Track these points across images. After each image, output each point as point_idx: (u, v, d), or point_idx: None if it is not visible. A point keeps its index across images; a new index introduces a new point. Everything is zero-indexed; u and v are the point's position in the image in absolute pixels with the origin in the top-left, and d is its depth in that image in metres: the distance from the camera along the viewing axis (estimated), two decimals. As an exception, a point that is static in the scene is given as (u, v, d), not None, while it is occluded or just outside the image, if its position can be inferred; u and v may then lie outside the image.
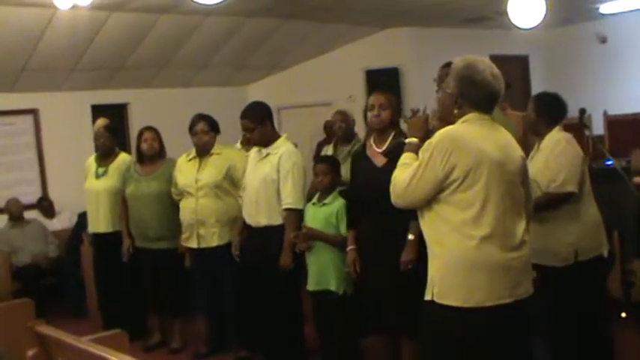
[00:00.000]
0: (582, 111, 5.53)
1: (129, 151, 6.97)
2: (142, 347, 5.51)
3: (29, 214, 7.38)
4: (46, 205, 7.65)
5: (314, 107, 9.16)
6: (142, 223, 5.42)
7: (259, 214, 4.66)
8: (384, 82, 8.69)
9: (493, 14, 8.07)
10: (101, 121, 6.02)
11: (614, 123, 7.73)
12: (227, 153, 5.19)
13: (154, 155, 5.48)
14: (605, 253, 4.09)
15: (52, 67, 7.33)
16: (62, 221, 7.63)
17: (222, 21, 7.52)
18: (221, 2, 5.11)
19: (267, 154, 4.67)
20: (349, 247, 4.19)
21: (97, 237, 5.83)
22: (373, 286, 4.02)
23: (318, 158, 5.80)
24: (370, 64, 9.03)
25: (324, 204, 4.51)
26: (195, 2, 5.09)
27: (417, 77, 8.73)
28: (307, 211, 4.59)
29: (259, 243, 4.67)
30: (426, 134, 3.01)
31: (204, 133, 5.14)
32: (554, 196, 3.85)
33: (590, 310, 4.01)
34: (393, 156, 3.72)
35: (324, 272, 4.47)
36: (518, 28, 6.36)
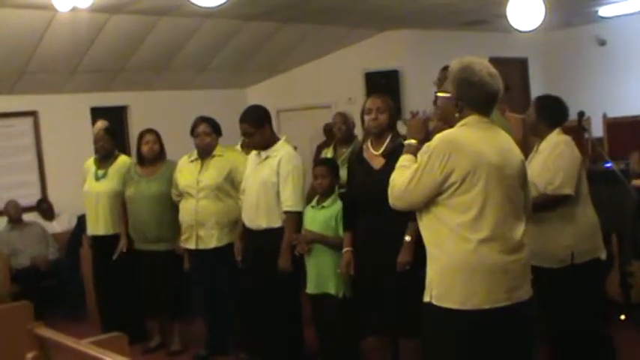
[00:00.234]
0: (581, 113, 5.54)
1: (128, 154, 6.98)
2: (142, 350, 5.51)
3: (28, 217, 7.39)
4: (45, 208, 7.65)
5: (313, 110, 9.17)
6: (142, 225, 5.42)
7: (259, 217, 4.66)
8: (383, 84, 8.71)
9: (492, 17, 8.08)
10: (100, 124, 6.02)
11: (613, 125, 7.76)
12: (229, 155, 5.20)
13: (154, 158, 5.49)
14: (604, 256, 4.09)
15: (52, 70, 7.34)
16: (61, 224, 7.63)
17: (221, 24, 7.53)
18: (221, 5, 5.11)
19: (267, 157, 4.67)
20: (345, 249, 4.19)
21: (96, 239, 5.82)
22: (371, 287, 4.02)
23: (317, 161, 5.80)
24: (370, 67, 9.04)
25: (323, 207, 4.52)
26: (194, 5, 5.09)
27: (417, 79, 8.74)
28: (306, 213, 4.60)
29: (259, 246, 4.67)
30: (425, 136, 3.02)
31: (206, 135, 5.15)
32: (551, 198, 3.86)
33: (586, 313, 4.01)
34: (390, 159, 3.74)
35: (323, 275, 4.47)
36: (518, 30, 6.37)
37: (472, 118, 2.82)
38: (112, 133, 6.00)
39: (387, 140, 4.04)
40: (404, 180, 2.82)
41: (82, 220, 6.80)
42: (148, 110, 8.34)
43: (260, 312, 4.70)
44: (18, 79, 7.26)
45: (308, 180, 4.80)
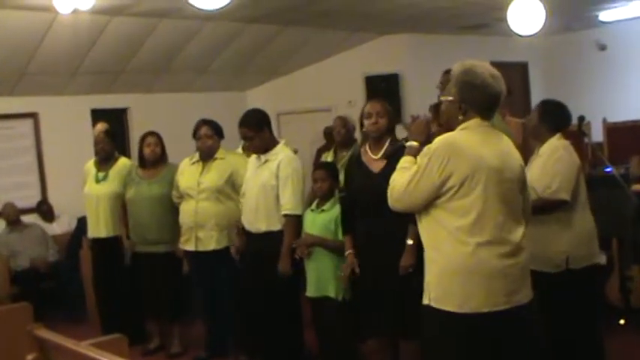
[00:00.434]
0: (581, 118, 5.53)
1: (129, 156, 6.98)
2: (141, 352, 5.51)
3: (28, 218, 7.38)
4: (45, 209, 7.65)
5: (314, 113, 9.17)
6: (142, 227, 5.43)
7: (258, 220, 4.67)
8: (383, 88, 8.72)
9: (493, 21, 8.09)
10: (101, 126, 6.03)
11: (613, 130, 7.75)
12: (230, 158, 5.21)
13: (156, 160, 5.49)
14: (603, 261, 4.09)
15: (53, 71, 7.34)
16: (61, 225, 7.63)
17: (222, 26, 7.54)
18: (221, 8, 5.12)
19: (266, 161, 4.68)
20: (347, 252, 4.20)
21: (97, 242, 5.82)
22: (371, 289, 4.03)
23: (316, 164, 5.81)
24: (370, 70, 9.04)
25: (323, 210, 4.52)
26: (195, 7, 5.09)
27: (417, 83, 8.75)
28: (306, 217, 4.60)
29: (258, 249, 4.67)
30: (426, 138, 3.02)
31: (208, 137, 5.15)
32: (547, 202, 3.87)
33: (583, 318, 4.02)
34: (390, 162, 3.75)
35: (323, 279, 4.48)
36: (518, 35, 6.38)
37: (473, 122, 2.83)
38: (112, 136, 6.00)
39: (386, 144, 4.06)
40: (403, 182, 2.83)
41: (82, 222, 6.80)
42: (149, 112, 8.34)
43: (260, 314, 4.70)
44: (18, 80, 7.26)
45: (308, 183, 4.80)
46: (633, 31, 9.60)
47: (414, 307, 2.97)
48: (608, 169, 5.71)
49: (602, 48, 10.07)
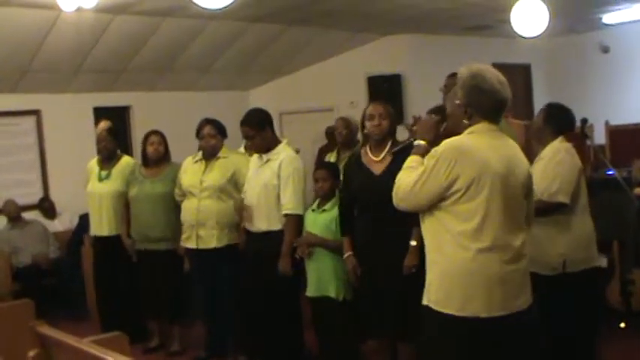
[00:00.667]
0: (584, 120, 5.54)
1: (131, 154, 6.99)
2: (142, 350, 5.51)
3: (30, 215, 7.40)
4: (47, 206, 7.66)
5: (316, 113, 9.17)
6: (145, 225, 5.43)
7: (259, 219, 4.67)
8: (385, 88, 8.72)
9: (496, 22, 8.09)
10: (103, 124, 6.02)
11: (616, 133, 7.74)
12: (233, 158, 5.21)
13: (159, 159, 5.50)
14: (604, 264, 4.09)
15: (56, 69, 7.35)
16: (63, 222, 7.64)
17: (225, 25, 7.54)
18: (225, 7, 5.12)
19: (268, 160, 4.68)
20: (347, 254, 4.20)
21: (99, 240, 5.83)
22: (372, 291, 4.03)
23: (318, 164, 5.81)
24: (372, 71, 9.04)
25: (324, 210, 4.53)
26: (199, 6, 5.09)
27: (419, 84, 8.74)
28: (307, 217, 4.61)
29: (259, 248, 4.68)
30: (435, 138, 3.01)
31: (211, 136, 5.16)
32: (546, 205, 3.87)
33: (579, 322, 4.02)
34: (396, 159, 3.75)
35: (323, 278, 4.48)
36: (521, 36, 6.37)
37: (481, 126, 2.82)
38: (115, 134, 6.00)
39: (388, 146, 4.07)
40: (409, 182, 2.83)
41: (83, 219, 6.81)
42: (151, 111, 8.35)
43: (260, 314, 4.70)
44: (21, 77, 7.27)
45: (310, 183, 4.80)
46: (636, 34, 9.60)
47: (415, 308, 2.98)
48: (611, 172, 5.71)
49: (606, 50, 10.06)
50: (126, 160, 5.90)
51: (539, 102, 8.90)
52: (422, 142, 3.03)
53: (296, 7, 7.06)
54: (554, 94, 8.40)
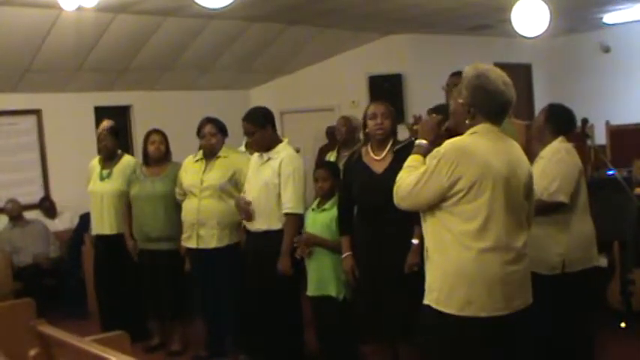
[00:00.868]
0: (585, 120, 5.54)
1: (131, 154, 6.98)
2: (143, 349, 5.51)
3: (31, 215, 7.40)
4: (47, 206, 7.67)
5: (317, 112, 9.18)
6: (145, 224, 5.43)
7: (259, 219, 4.67)
8: (387, 88, 8.73)
9: (497, 22, 8.09)
10: (105, 123, 6.02)
11: (617, 133, 7.73)
12: (233, 157, 5.21)
13: (160, 158, 5.50)
14: (604, 264, 4.09)
15: (56, 68, 7.35)
16: (63, 222, 7.65)
17: (226, 25, 7.54)
18: (226, 6, 5.12)
19: (268, 159, 4.68)
20: (345, 254, 4.20)
21: (101, 239, 5.83)
22: (373, 291, 4.03)
23: (318, 164, 5.81)
24: (373, 70, 9.05)
25: (324, 209, 4.53)
26: (200, 6, 5.09)
27: (420, 84, 8.75)
28: (307, 216, 4.61)
29: (258, 248, 4.68)
30: (436, 137, 3.01)
31: (212, 135, 5.16)
32: (545, 204, 3.87)
33: (578, 321, 4.02)
34: (397, 158, 3.75)
35: (323, 278, 4.48)
36: (522, 36, 6.37)
37: (483, 127, 2.82)
38: (116, 133, 6.00)
39: (389, 145, 4.07)
40: (410, 181, 2.82)
41: (84, 219, 6.81)
42: (152, 110, 8.35)
43: (260, 313, 4.70)
44: (22, 76, 7.27)
45: (310, 182, 4.80)
46: (637, 34, 9.60)
47: (415, 308, 2.98)
48: (611, 172, 5.71)
49: (606, 50, 10.07)
50: (127, 159, 5.90)
51: (540, 102, 8.91)
52: (423, 142, 3.03)
53: (297, 6, 7.06)
54: (555, 94, 8.40)
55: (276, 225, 4.62)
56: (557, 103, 4.34)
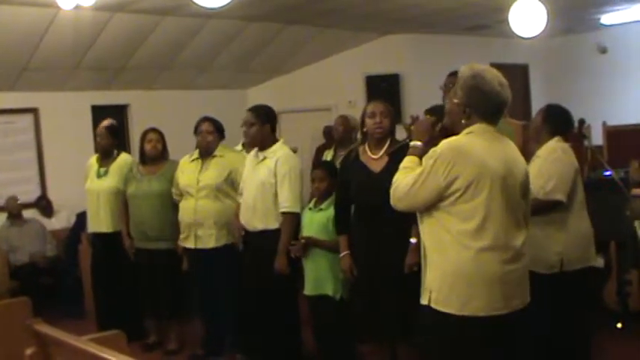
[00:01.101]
0: (582, 121, 5.55)
1: (129, 152, 6.97)
2: (140, 348, 5.50)
3: (27, 213, 7.39)
4: (44, 205, 7.66)
5: (314, 112, 9.18)
6: (142, 223, 5.43)
7: (255, 218, 4.67)
8: (384, 88, 8.72)
9: (494, 22, 8.09)
10: (106, 122, 6.01)
11: (614, 133, 7.75)
12: (230, 156, 5.21)
13: (157, 156, 5.50)
14: (600, 264, 4.10)
15: (54, 67, 7.34)
16: (60, 221, 7.64)
17: (224, 24, 7.54)
18: (223, 6, 5.12)
19: (264, 158, 4.68)
20: (343, 253, 4.20)
21: (98, 237, 5.82)
22: (370, 291, 4.03)
23: (315, 164, 5.81)
24: (371, 70, 9.05)
25: (321, 209, 4.54)
26: (198, 5, 5.09)
27: (417, 84, 8.75)
28: (304, 216, 4.61)
29: (255, 247, 4.68)
30: (430, 138, 3.01)
31: (209, 133, 5.16)
32: (542, 203, 3.87)
33: (575, 320, 4.03)
34: (393, 160, 3.75)
35: (320, 277, 4.49)
36: (519, 36, 6.37)
37: (479, 127, 2.82)
38: (114, 132, 5.98)
39: (387, 144, 4.07)
40: (407, 182, 2.83)
41: (81, 218, 6.81)
42: (149, 109, 8.34)
43: (257, 313, 4.70)
44: (19, 75, 7.26)
45: (307, 182, 4.80)
46: (634, 35, 9.61)
47: (414, 308, 2.98)
48: (608, 173, 5.72)
49: (603, 51, 10.08)
50: (124, 157, 5.89)
51: (537, 102, 8.90)
52: (418, 143, 3.03)
53: (294, 6, 7.06)
54: (552, 95, 8.40)
55: (273, 224, 4.62)
56: (554, 103, 4.35)
